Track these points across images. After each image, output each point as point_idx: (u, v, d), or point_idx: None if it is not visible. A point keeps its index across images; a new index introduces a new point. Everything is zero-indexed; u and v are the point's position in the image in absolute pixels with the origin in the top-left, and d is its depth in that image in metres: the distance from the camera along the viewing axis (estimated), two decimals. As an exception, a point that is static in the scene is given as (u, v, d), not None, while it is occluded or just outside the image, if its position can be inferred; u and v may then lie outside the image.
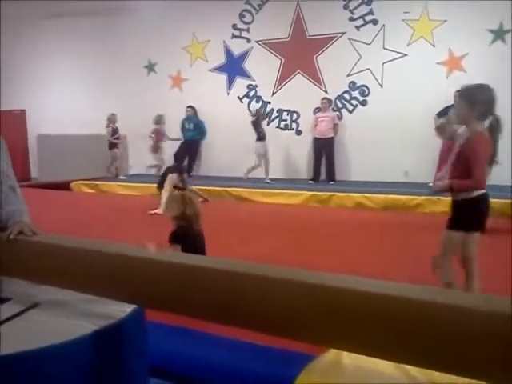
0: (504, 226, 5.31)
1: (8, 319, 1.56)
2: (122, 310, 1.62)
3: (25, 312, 1.63)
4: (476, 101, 2.57)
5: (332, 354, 1.70)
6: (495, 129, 2.64)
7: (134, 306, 1.64)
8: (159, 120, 9.48)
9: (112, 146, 10.02)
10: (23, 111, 11.60)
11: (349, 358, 1.64)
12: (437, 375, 1.51)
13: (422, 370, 1.57)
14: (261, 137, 8.60)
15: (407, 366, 1.55)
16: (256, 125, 8.64)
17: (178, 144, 9.65)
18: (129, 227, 5.31)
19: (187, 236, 2.94)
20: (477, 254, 2.65)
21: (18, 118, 11.45)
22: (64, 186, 9.29)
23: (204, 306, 1.42)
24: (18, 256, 1.75)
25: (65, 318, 1.58)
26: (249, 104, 9.79)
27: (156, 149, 9.36)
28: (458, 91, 2.73)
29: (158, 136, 9.39)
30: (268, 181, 8.48)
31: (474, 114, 2.55)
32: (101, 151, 10.19)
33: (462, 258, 2.69)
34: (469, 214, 2.58)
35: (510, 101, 7.64)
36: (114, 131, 9.98)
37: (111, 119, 9.92)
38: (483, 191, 2.56)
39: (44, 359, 1.41)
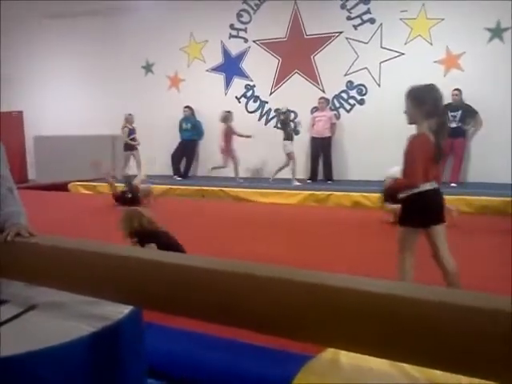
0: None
1: (6, 321, 1.56)
2: (120, 311, 1.62)
3: (22, 314, 1.62)
4: (423, 100, 2.66)
5: (329, 353, 1.70)
6: (440, 129, 2.69)
7: (132, 307, 1.64)
8: (227, 118, 8.88)
9: (128, 147, 9.54)
10: (20, 113, 11.59)
11: (346, 358, 1.64)
12: (435, 374, 1.51)
13: (420, 369, 1.58)
14: (290, 136, 8.52)
15: (405, 365, 1.56)
16: (284, 124, 8.56)
17: (175, 144, 9.65)
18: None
19: (150, 237, 3.09)
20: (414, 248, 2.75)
21: (15, 120, 11.45)
22: (61, 188, 9.27)
23: (201, 306, 1.42)
24: (15, 258, 1.74)
25: (62, 320, 1.58)
26: (246, 104, 9.79)
27: (228, 150, 8.82)
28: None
29: (228, 135, 8.83)
30: (296, 183, 8.31)
31: (420, 112, 2.65)
32: (98, 152, 10.17)
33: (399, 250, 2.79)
34: (411, 210, 2.71)
35: (508, 98, 7.66)
36: (131, 132, 9.54)
37: (128, 119, 9.49)
38: (427, 188, 2.65)
39: (42, 361, 1.40)
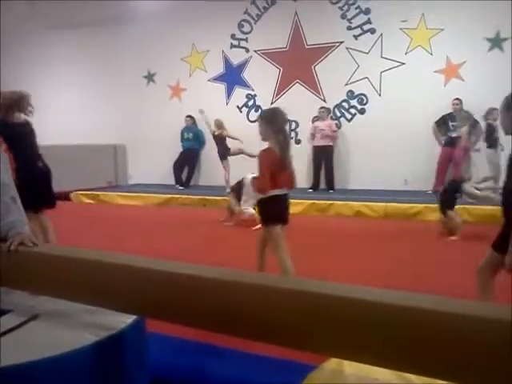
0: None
1: (9, 331, 1.56)
2: (123, 320, 1.62)
3: (25, 323, 1.62)
4: (272, 120, 3.20)
5: (333, 363, 1.70)
6: (284, 145, 3.20)
7: (135, 316, 1.63)
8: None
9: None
10: (23, 122, 11.62)
11: (350, 368, 1.64)
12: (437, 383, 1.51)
13: (424, 379, 1.57)
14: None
15: (409, 375, 1.55)
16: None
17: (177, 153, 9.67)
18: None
19: None
20: (282, 244, 3.18)
21: (17, 129, 11.47)
22: (64, 197, 9.27)
23: (205, 315, 1.42)
24: (18, 267, 1.74)
25: (65, 329, 1.58)
26: (248, 113, 9.82)
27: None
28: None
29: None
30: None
31: (271, 131, 3.16)
32: (100, 161, 10.20)
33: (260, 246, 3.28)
34: (262, 211, 3.28)
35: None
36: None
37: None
38: (276, 193, 3.14)
39: (45, 371, 1.40)
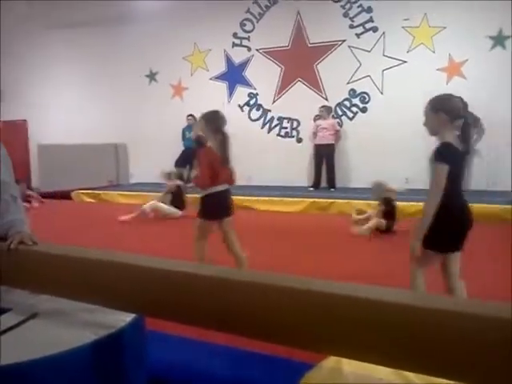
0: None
1: (8, 329, 1.56)
2: (122, 319, 1.62)
3: (25, 322, 1.63)
4: (212, 121, 3.48)
5: (331, 361, 1.69)
6: (224, 143, 3.43)
7: (134, 315, 1.64)
8: None
9: None
10: (25, 121, 11.65)
11: (348, 366, 1.63)
12: (438, 382, 1.50)
13: (423, 377, 1.57)
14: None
15: (408, 373, 1.55)
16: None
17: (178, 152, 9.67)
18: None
19: None
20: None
21: (19, 128, 11.51)
22: (65, 196, 9.30)
23: (204, 314, 1.42)
24: (18, 266, 1.75)
25: (65, 328, 1.58)
26: (249, 112, 9.82)
27: None
28: (202, 116, 3.60)
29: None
30: None
31: (210, 131, 3.45)
32: (101, 160, 10.21)
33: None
34: (206, 206, 3.46)
35: (509, 106, 7.67)
36: None
37: None
38: (218, 189, 3.40)
39: (44, 369, 1.41)
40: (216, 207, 3.43)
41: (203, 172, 3.40)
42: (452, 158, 2.37)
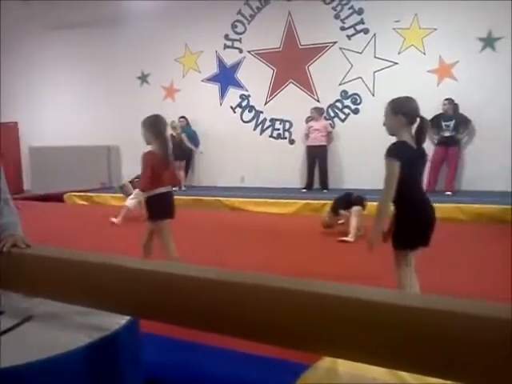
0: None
1: (2, 333, 1.55)
2: (117, 321, 1.61)
3: (18, 325, 1.62)
4: (153, 126, 3.58)
5: (327, 362, 1.70)
6: (164, 147, 3.57)
7: (128, 317, 1.63)
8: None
9: None
10: (16, 123, 11.58)
11: (344, 366, 1.64)
12: (432, 382, 1.51)
13: (418, 377, 1.57)
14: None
15: (403, 373, 1.56)
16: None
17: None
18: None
19: None
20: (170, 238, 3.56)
21: (10, 131, 11.44)
22: (57, 198, 9.25)
23: (198, 315, 1.42)
24: (11, 269, 1.74)
25: (59, 331, 1.57)
26: (241, 114, 9.83)
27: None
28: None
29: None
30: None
31: (152, 135, 3.55)
32: (94, 163, 10.17)
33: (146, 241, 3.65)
34: (150, 208, 3.56)
35: (501, 107, 7.73)
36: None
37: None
38: (161, 191, 3.51)
39: (38, 372, 1.40)
40: (160, 208, 3.56)
41: (145, 175, 3.52)
42: (405, 156, 2.47)
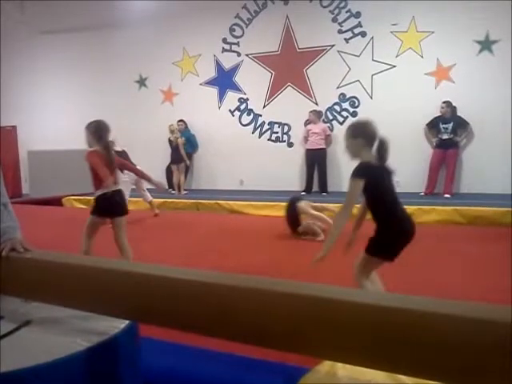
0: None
1: (0, 338, 1.55)
2: (115, 325, 1.61)
3: (17, 330, 1.61)
4: (95, 131, 3.82)
5: (326, 366, 1.70)
6: (108, 150, 3.84)
7: (127, 321, 1.63)
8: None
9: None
10: (14, 127, 11.57)
11: (343, 370, 1.63)
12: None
13: (417, 381, 1.57)
14: None
15: (402, 377, 1.55)
16: None
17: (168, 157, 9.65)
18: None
19: None
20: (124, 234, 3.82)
21: (9, 134, 11.41)
22: (55, 202, 9.23)
23: (197, 319, 1.42)
24: (10, 273, 1.73)
25: (57, 335, 1.57)
26: (240, 117, 9.84)
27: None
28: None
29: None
30: None
31: (94, 139, 3.81)
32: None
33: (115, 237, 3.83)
34: (97, 206, 3.82)
35: (499, 109, 7.75)
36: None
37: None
38: (107, 190, 3.71)
39: (37, 377, 1.39)
40: (106, 206, 3.78)
41: (93, 176, 3.79)
42: (370, 174, 2.59)
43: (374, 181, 2.59)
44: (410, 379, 1.52)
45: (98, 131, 3.81)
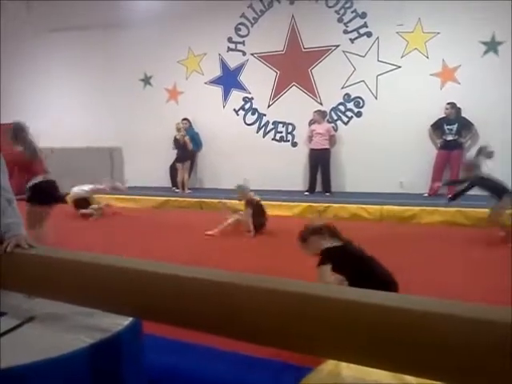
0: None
1: (4, 333, 1.55)
2: (119, 322, 1.61)
3: (21, 326, 1.62)
4: (14, 133, 4.41)
5: (330, 365, 1.69)
6: (31, 144, 4.44)
7: (131, 318, 1.63)
8: None
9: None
10: (19, 125, 11.59)
11: (347, 370, 1.63)
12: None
13: (422, 380, 1.57)
14: None
15: (406, 377, 1.55)
16: None
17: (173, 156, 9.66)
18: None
19: None
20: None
21: (13, 132, 11.43)
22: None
23: (201, 317, 1.42)
24: (14, 269, 1.74)
25: (61, 332, 1.57)
26: (244, 116, 9.84)
27: None
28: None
29: None
30: None
31: (15, 139, 4.38)
32: (96, 164, 10.17)
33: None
34: (32, 194, 4.23)
35: (504, 110, 7.72)
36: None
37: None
38: (37, 180, 4.26)
39: (40, 373, 1.40)
40: (39, 195, 4.23)
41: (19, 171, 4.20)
42: (335, 256, 2.74)
43: (342, 259, 2.72)
44: (415, 378, 1.52)
45: (16, 132, 4.39)
